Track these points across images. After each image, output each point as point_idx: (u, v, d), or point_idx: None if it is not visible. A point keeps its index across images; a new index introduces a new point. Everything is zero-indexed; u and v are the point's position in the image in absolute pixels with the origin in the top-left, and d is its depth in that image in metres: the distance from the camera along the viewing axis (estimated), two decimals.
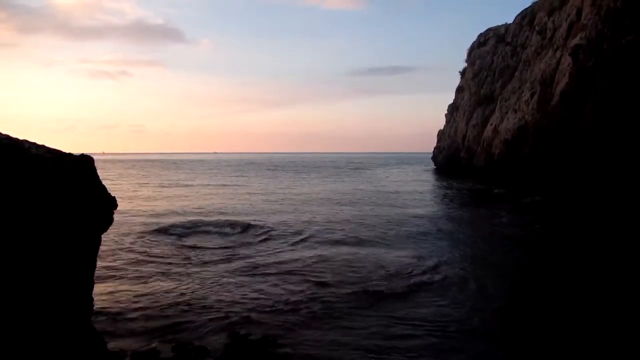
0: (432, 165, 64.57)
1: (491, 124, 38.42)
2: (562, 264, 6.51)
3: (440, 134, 59.64)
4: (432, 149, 63.20)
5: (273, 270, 11.48)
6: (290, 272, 11.32)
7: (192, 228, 17.45)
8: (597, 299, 5.53)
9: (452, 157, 49.95)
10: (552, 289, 6.51)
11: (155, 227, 17.40)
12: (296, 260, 12.62)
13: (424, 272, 11.36)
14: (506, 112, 35.69)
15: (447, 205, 25.77)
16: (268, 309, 8.75)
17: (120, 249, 13.59)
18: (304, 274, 11.14)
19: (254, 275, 11.07)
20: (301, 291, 9.84)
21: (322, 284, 10.34)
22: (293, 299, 9.36)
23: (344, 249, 14.07)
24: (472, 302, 9.23)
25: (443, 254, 13.33)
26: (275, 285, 10.28)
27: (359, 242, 15.20)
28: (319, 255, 13.11)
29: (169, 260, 12.47)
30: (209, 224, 18.33)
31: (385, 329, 7.82)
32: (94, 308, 5.81)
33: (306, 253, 13.52)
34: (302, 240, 15.61)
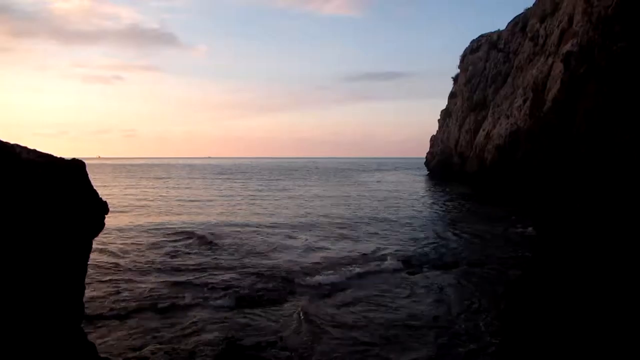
0: (425, 171, 64.82)
1: (483, 130, 38.61)
2: (557, 266, 6.55)
3: (433, 140, 59.88)
4: (425, 154, 63.42)
5: (256, 272, 11.43)
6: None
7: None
8: (595, 302, 5.56)
9: (444, 163, 50.16)
10: (548, 292, 6.55)
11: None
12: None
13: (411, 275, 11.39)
14: (498, 118, 35.88)
15: (439, 212, 25.82)
16: (262, 314, 8.71)
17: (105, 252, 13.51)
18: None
19: (242, 279, 11.02)
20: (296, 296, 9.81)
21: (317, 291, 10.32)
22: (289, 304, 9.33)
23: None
24: (463, 304, 9.24)
25: (433, 258, 13.35)
26: (268, 289, 10.24)
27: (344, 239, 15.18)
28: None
29: (154, 264, 12.40)
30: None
31: (382, 330, 7.81)
32: (85, 313, 5.76)
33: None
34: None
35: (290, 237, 16.74)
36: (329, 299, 9.68)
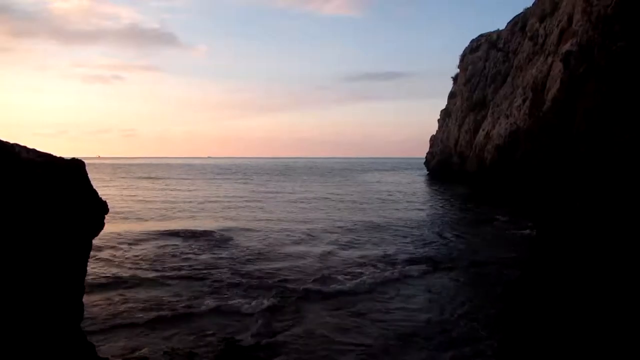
0: (424, 171, 64.84)
1: (483, 130, 38.59)
2: (556, 266, 6.54)
3: (433, 139, 59.90)
4: (425, 154, 63.42)
5: (257, 274, 11.44)
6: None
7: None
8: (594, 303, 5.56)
9: (444, 163, 50.18)
10: (547, 293, 6.54)
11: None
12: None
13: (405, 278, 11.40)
14: (498, 118, 35.88)
15: (438, 212, 25.83)
16: (263, 315, 8.70)
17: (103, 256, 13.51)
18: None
19: (243, 280, 11.02)
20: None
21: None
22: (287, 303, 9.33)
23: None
24: (459, 307, 9.24)
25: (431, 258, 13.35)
26: (268, 291, 10.23)
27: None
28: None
29: (154, 266, 12.40)
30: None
31: (376, 330, 7.81)
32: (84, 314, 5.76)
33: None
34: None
35: (291, 240, 16.72)
36: (329, 301, 9.67)
